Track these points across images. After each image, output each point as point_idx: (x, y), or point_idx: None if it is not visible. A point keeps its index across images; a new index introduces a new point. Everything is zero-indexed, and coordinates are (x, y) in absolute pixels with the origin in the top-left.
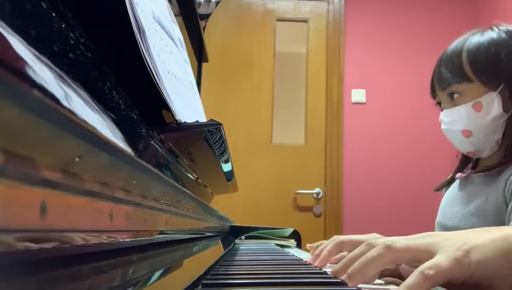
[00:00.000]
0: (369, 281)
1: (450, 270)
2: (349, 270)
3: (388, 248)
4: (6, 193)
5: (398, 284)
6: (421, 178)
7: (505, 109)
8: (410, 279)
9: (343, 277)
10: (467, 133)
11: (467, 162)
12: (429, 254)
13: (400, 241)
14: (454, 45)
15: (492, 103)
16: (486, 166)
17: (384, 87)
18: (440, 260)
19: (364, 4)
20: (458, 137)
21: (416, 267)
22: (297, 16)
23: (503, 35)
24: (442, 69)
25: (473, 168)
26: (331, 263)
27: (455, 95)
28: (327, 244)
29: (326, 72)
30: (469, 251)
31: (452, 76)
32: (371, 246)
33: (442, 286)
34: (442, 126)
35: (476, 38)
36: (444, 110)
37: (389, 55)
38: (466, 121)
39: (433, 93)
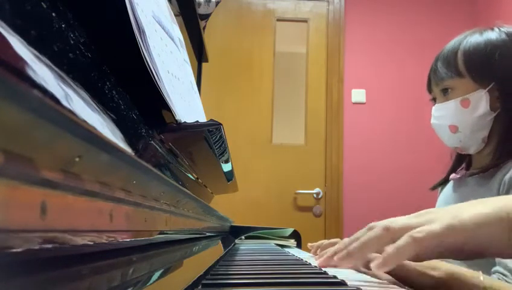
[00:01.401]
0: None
1: (440, 234)
2: (349, 248)
3: (386, 229)
4: (6, 193)
5: (400, 285)
6: (421, 178)
7: (493, 108)
8: (400, 241)
9: (342, 254)
10: (454, 129)
11: (460, 162)
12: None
13: (398, 221)
14: (452, 42)
15: (480, 101)
16: (479, 167)
17: (384, 87)
18: (432, 226)
19: (364, 4)
20: (446, 132)
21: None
22: (297, 16)
23: (503, 36)
24: (438, 64)
25: (467, 168)
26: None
27: (448, 91)
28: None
29: (326, 72)
30: (464, 219)
31: (446, 71)
32: (371, 229)
33: (436, 251)
34: (432, 120)
35: (475, 37)
36: (435, 105)
37: (389, 55)
38: (453, 117)
39: (429, 88)
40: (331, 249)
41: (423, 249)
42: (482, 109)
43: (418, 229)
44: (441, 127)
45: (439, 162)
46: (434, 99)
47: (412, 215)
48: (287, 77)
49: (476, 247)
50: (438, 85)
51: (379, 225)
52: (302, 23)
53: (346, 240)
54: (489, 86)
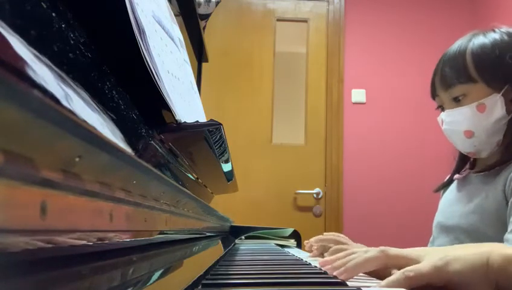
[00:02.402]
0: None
1: (428, 275)
2: (347, 265)
3: (382, 252)
4: (6, 193)
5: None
6: (421, 178)
7: (508, 110)
8: (393, 276)
9: (340, 271)
10: (469, 134)
11: (464, 163)
12: (416, 262)
13: (393, 249)
14: (456, 45)
15: (496, 105)
16: (485, 166)
17: (384, 87)
18: (421, 265)
19: (364, 4)
20: (460, 137)
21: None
22: (297, 16)
23: (505, 37)
24: (445, 69)
25: (471, 168)
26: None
27: (460, 97)
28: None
29: (326, 72)
30: (449, 261)
31: (456, 76)
32: (367, 251)
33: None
34: (444, 126)
35: (480, 39)
36: (446, 111)
37: (389, 55)
38: (469, 122)
39: (434, 94)
40: (334, 265)
41: (413, 285)
42: (498, 113)
43: (410, 268)
44: (455, 132)
45: (440, 162)
46: (440, 106)
47: (404, 249)
48: (287, 77)
49: (458, 286)
50: (447, 91)
51: (376, 249)
52: (302, 23)
53: (350, 255)
54: (504, 90)
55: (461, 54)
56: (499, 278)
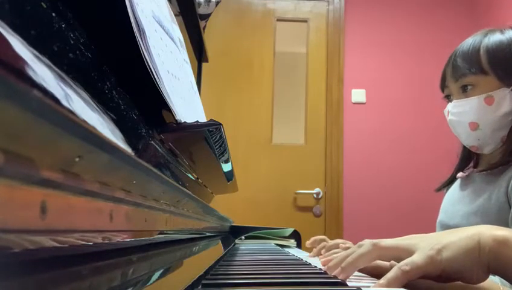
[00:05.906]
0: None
1: (424, 267)
2: (343, 264)
3: (374, 245)
4: (6, 193)
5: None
6: (421, 178)
7: None
8: (390, 273)
9: (337, 271)
10: (474, 126)
11: (467, 161)
12: (408, 252)
13: (385, 241)
14: (472, 38)
15: (505, 99)
16: (489, 164)
17: (384, 87)
18: (416, 258)
19: (364, 4)
20: (465, 129)
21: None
22: (297, 15)
23: None
24: (458, 60)
25: (474, 167)
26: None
27: (468, 87)
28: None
29: (326, 72)
30: (441, 249)
31: (468, 67)
32: (360, 246)
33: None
34: (450, 117)
35: (497, 35)
36: (454, 101)
37: (389, 55)
38: (475, 114)
39: (443, 85)
40: (329, 265)
41: (410, 278)
42: (506, 107)
43: (405, 262)
44: (460, 124)
45: (440, 162)
46: (447, 97)
47: (396, 238)
48: (287, 77)
49: (452, 274)
50: (457, 81)
51: (367, 242)
52: (302, 23)
53: (343, 253)
54: None
55: (475, 47)
56: (491, 260)
